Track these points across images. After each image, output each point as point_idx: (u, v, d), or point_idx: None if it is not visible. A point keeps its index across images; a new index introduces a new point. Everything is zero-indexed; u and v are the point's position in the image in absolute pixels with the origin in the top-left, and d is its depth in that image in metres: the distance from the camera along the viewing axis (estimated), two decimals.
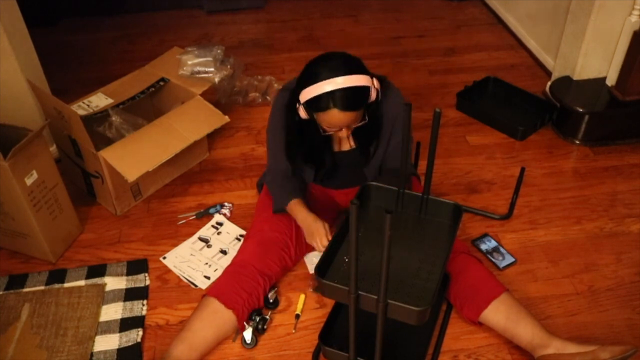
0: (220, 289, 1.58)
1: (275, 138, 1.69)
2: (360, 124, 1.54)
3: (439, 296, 1.64)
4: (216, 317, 1.54)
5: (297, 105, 1.51)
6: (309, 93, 1.45)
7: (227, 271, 1.64)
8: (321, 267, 1.32)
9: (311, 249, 1.81)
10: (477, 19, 3.33)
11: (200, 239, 1.92)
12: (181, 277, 1.80)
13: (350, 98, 1.43)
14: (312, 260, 1.81)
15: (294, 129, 1.61)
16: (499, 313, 1.54)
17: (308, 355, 1.58)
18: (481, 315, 1.56)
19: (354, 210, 1.06)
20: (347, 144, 1.70)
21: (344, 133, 1.54)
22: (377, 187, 1.51)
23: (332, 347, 1.49)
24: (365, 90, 1.46)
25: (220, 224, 1.97)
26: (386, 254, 1.09)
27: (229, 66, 2.40)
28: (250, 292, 1.59)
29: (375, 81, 1.49)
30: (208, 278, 1.78)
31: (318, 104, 1.45)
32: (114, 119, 2.05)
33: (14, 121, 1.76)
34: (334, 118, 1.46)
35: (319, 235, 1.61)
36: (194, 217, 2.01)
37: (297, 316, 1.68)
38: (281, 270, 1.71)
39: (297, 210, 1.67)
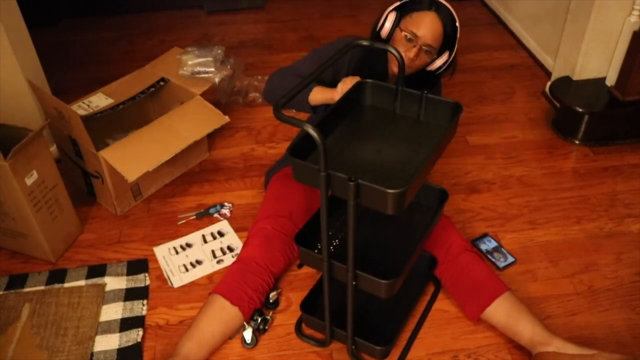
0: (225, 286, 1.58)
1: (319, 57, 1.67)
2: (432, 59, 1.63)
3: (424, 277, 1.66)
4: (223, 314, 1.55)
5: (386, 15, 1.61)
6: None
7: (232, 268, 1.64)
8: (300, 236, 1.35)
9: None
10: (477, 19, 3.33)
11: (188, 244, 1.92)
12: (163, 270, 1.81)
13: (448, 14, 1.57)
14: None
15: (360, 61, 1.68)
16: (501, 310, 1.55)
17: (308, 355, 1.58)
18: (484, 313, 1.56)
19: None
20: None
21: (414, 53, 1.58)
22: (374, 84, 1.43)
23: (314, 316, 1.50)
24: (456, 29, 1.60)
25: (222, 235, 1.95)
26: (352, 224, 1.11)
27: (229, 66, 2.40)
28: (255, 289, 1.59)
29: (453, 53, 1.65)
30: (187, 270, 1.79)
31: (419, 1, 1.57)
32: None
33: (14, 121, 1.76)
34: (426, 19, 1.56)
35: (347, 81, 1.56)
36: (194, 217, 2.01)
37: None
38: (286, 265, 1.71)
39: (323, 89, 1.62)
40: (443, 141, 1.25)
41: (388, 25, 1.62)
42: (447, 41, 1.62)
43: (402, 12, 1.60)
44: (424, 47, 1.59)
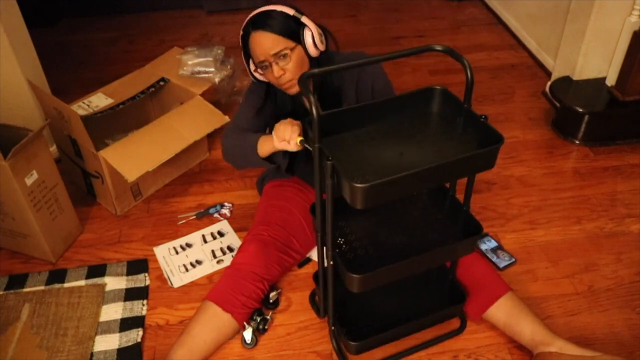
0: (218, 293, 1.57)
1: (245, 109, 1.65)
2: (288, 52, 1.47)
3: (445, 306, 1.60)
4: (215, 321, 1.54)
5: (246, 63, 1.57)
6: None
7: (225, 274, 1.63)
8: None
9: (313, 246, 1.82)
10: (477, 19, 3.33)
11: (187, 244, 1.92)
12: (163, 270, 1.82)
13: (266, 18, 1.46)
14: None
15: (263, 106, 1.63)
16: (503, 310, 1.55)
17: (308, 355, 1.58)
18: (485, 312, 1.56)
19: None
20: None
21: (276, 71, 1.47)
22: (444, 92, 1.41)
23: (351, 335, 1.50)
24: (283, 14, 1.47)
25: (222, 235, 1.95)
26: (330, 202, 1.11)
27: (229, 66, 2.40)
28: (248, 296, 1.58)
29: (310, 22, 1.48)
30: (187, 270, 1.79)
31: (244, 35, 1.51)
32: None
33: (14, 121, 1.76)
34: (257, 43, 1.47)
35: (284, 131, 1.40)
36: (194, 217, 2.01)
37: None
38: (281, 273, 1.70)
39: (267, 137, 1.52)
40: (464, 159, 1.24)
41: (252, 67, 1.57)
42: (288, 29, 1.46)
43: (246, 50, 1.54)
44: (276, 61, 1.47)
